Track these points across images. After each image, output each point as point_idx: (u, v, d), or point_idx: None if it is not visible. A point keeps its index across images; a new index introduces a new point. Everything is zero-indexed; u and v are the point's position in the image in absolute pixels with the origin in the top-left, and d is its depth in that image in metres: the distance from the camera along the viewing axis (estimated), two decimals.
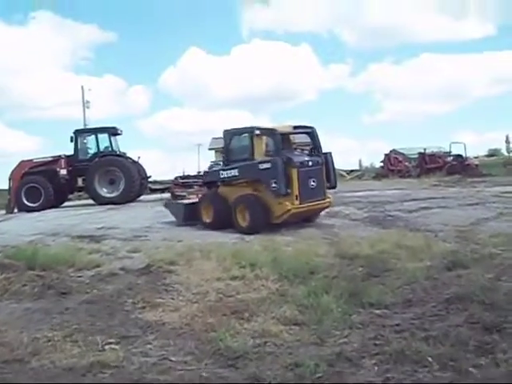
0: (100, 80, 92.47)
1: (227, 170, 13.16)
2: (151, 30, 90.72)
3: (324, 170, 12.92)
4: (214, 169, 14.95)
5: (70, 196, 25.84)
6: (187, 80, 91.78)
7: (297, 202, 12.24)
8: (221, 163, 15.11)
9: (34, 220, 17.43)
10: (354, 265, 8.19)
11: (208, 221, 13.14)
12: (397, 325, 5.42)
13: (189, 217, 13.68)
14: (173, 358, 4.95)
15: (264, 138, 13.05)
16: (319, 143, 13.12)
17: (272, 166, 12.16)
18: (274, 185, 12.09)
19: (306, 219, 13.14)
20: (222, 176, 13.28)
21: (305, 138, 13.84)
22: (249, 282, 7.38)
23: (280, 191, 12.04)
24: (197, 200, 14.21)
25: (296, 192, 12.19)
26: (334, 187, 13.53)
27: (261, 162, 12.46)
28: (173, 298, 6.83)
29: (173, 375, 4.57)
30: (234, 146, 13.57)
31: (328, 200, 13.17)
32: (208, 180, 14.60)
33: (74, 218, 17.15)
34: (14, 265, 8.48)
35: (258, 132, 12.92)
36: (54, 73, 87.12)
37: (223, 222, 12.79)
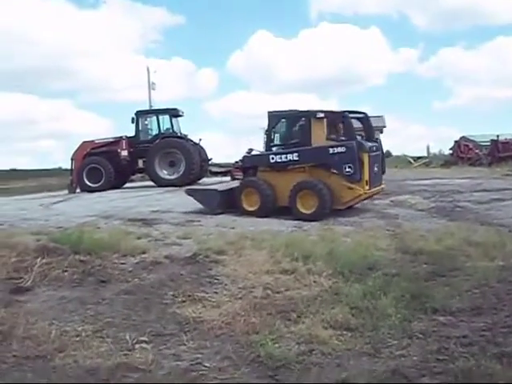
0: (169, 63, 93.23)
1: (281, 154, 12.46)
2: (219, 13, 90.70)
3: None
4: (259, 153, 13.68)
5: (133, 177, 25.87)
6: (255, 63, 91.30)
7: (367, 188, 11.89)
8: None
9: (92, 201, 17.36)
10: (417, 261, 7.45)
11: (251, 208, 12.51)
12: (464, 336, 4.71)
13: (224, 204, 12.95)
14: (207, 364, 4.42)
15: (324, 121, 12.36)
16: (372, 129, 12.53)
17: (347, 150, 11.67)
18: (348, 169, 11.67)
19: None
20: (273, 161, 12.47)
21: (355, 124, 13.07)
22: (300, 276, 6.75)
23: (355, 176, 11.64)
24: (232, 186, 13.49)
25: (367, 177, 11.83)
26: (383, 173, 13.31)
27: (332, 146, 11.88)
28: (216, 292, 6.29)
29: None
30: (282, 130, 12.96)
31: (383, 186, 13.20)
32: (249, 165, 13.33)
33: (132, 199, 16.98)
34: (59, 248, 8.12)
35: (321, 115, 12.25)
36: (124, 56, 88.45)
37: (269, 210, 12.29)
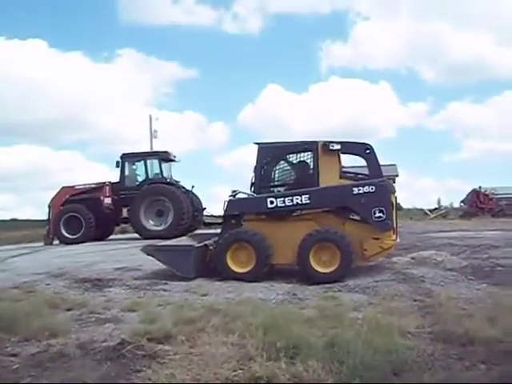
0: (181, 116, 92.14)
1: (284, 196, 9.62)
2: (231, 67, 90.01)
3: None
4: (249, 196, 10.35)
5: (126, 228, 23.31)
6: (266, 116, 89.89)
7: (393, 237, 9.54)
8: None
9: (56, 255, 15.01)
10: (469, 359, 4.69)
11: (241, 270, 9.54)
12: None
13: (202, 265, 9.96)
14: None
15: (338, 154, 9.94)
16: (379, 166, 10.15)
17: (377, 190, 9.24)
18: (378, 214, 9.17)
19: None
20: (272, 205, 9.57)
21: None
22: None
23: (387, 223, 9.24)
24: (212, 242, 10.34)
25: (394, 223, 9.49)
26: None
27: (357, 186, 9.39)
28: None
29: None
30: (277, 167, 10.27)
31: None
32: (235, 212, 10.07)
33: (101, 254, 14.50)
34: None
35: (336, 146, 9.73)
36: (136, 108, 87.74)
37: (266, 270, 9.52)
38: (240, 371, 4.38)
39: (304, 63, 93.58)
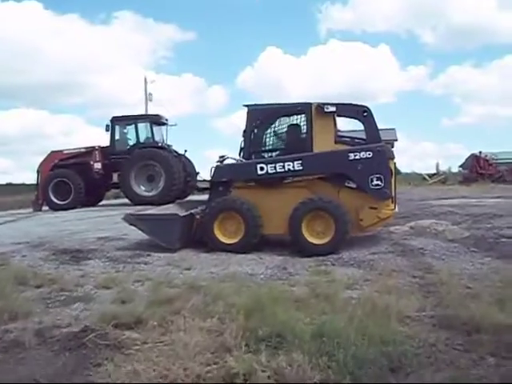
0: (180, 79, 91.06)
1: (275, 162, 8.92)
2: (230, 30, 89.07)
3: None
4: (237, 162, 9.60)
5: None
6: (264, 79, 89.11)
7: (392, 206, 8.92)
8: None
9: (40, 222, 14.49)
10: (474, 350, 4.12)
11: (230, 241, 8.93)
12: None
13: (188, 236, 9.33)
14: None
15: (333, 118, 9.31)
16: (377, 129, 9.46)
17: (374, 155, 8.55)
18: (376, 182, 8.54)
19: None
20: (262, 172, 8.86)
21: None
22: None
23: (384, 192, 8.64)
24: (199, 211, 9.67)
25: (393, 193, 8.89)
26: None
27: (353, 151, 8.68)
28: None
29: None
30: (268, 131, 9.60)
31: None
32: (223, 178, 9.34)
33: (87, 221, 13.93)
34: None
35: (331, 108, 9.09)
36: (135, 71, 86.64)
37: (256, 241, 8.91)
38: (214, 366, 3.81)
39: (303, 26, 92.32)
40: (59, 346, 4.31)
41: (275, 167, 8.84)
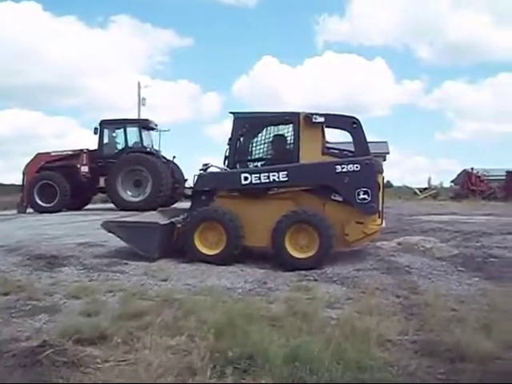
0: (175, 85, 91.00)
1: (259, 172, 8.66)
2: (227, 38, 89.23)
3: None
4: (221, 171, 9.32)
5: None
6: (259, 88, 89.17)
7: (378, 221, 8.66)
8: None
9: (21, 225, 14.23)
10: (457, 380, 3.85)
11: (210, 252, 8.63)
12: None
13: (168, 245, 9.01)
14: None
15: (321, 128, 9.08)
16: (366, 142, 9.21)
17: (362, 168, 8.28)
18: (363, 196, 8.27)
19: None
20: (246, 182, 8.61)
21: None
22: None
23: (372, 206, 8.35)
24: (180, 220, 9.36)
25: (380, 207, 8.63)
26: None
27: (340, 163, 8.42)
28: None
29: None
30: (255, 139, 9.35)
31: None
32: (206, 187, 9.07)
33: (70, 226, 13.59)
34: None
35: (319, 119, 8.86)
36: (131, 75, 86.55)
37: (237, 253, 8.63)
38: None
39: (300, 36, 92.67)
40: (13, 362, 4.01)
41: (260, 177, 8.58)
